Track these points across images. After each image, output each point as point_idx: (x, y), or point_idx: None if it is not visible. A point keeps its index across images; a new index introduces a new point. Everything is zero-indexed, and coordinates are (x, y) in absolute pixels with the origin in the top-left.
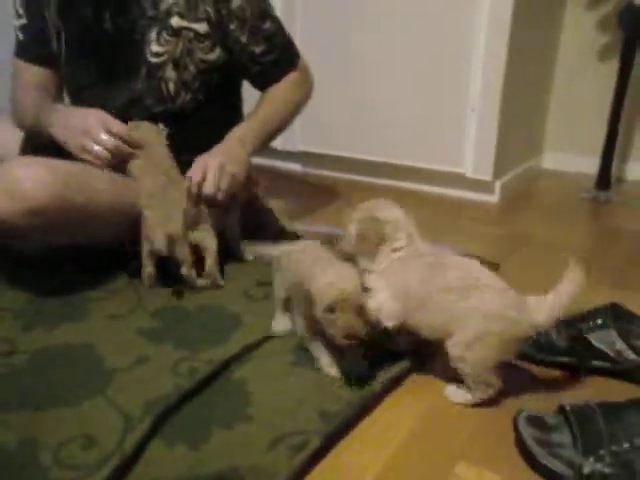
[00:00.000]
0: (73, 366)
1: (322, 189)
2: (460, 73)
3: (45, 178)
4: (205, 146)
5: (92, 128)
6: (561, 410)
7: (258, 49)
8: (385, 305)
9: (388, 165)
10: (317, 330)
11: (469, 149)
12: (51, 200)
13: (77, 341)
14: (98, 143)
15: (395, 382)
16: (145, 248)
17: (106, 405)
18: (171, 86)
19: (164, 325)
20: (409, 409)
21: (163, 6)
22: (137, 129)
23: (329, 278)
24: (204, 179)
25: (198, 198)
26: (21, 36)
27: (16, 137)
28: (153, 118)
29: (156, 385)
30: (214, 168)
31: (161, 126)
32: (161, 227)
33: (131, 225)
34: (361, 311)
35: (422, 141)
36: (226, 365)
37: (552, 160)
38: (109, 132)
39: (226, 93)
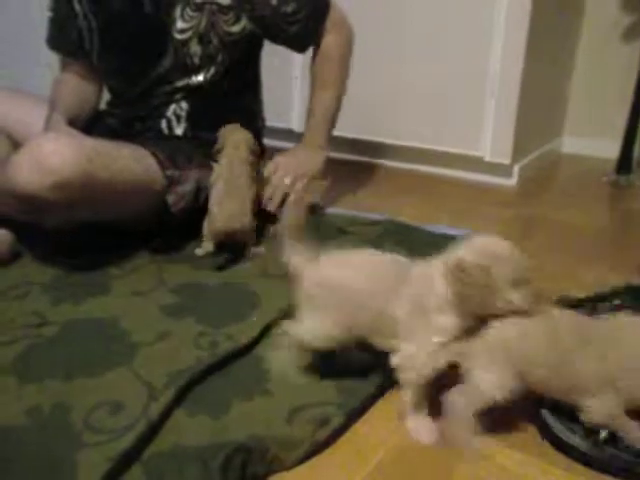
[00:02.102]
0: (100, 339)
1: (341, 172)
2: (479, 55)
3: (70, 153)
4: (223, 123)
5: None
6: None
7: (289, 8)
8: None
9: (406, 148)
10: None
11: (487, 132)
12: (75, 175)
13: (103, 315)
14: None
15: None
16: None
17: (131, 376)
18: (196, 60)
19: (185, 301)
20: (427, 387)
21: None
22: (229, 134)
23: None
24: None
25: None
26: (49, 28)
27: (40, 114)
28: (175, 93)
29: (178, 358)
30: (289, 181)
31: (183, 104)
32: (233, 222)
33: (152, 202)
34: None
35: (440, 124)
36: (247, 344)
37: (572, 144)
38: None
39: (246, 68)
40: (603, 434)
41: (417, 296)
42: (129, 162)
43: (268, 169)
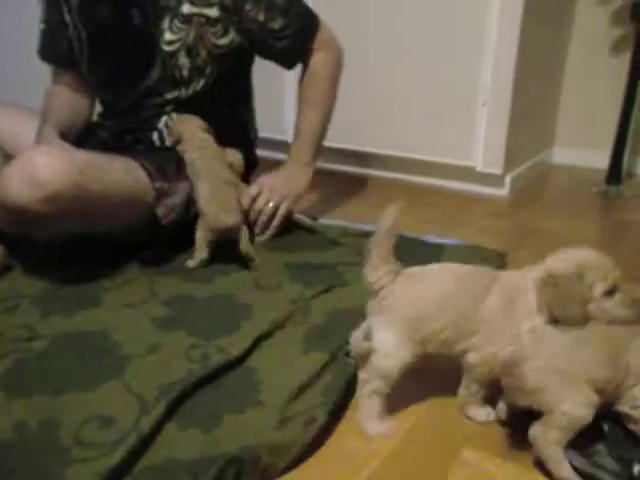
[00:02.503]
0: (90, 352)
1: (332, 183)
2: (471, 66)
3: (62, 166)
4: (215, 134)
5: None
6: None
7: (277, 25)
8: None
9: (398, 158)
10: None
11: (479, 143)
12: (67, 187)
13: (94, 328)
14: None
15: None
16: (205, 237)
17: (122, 389)
18: (185, 72)
19: (176, 313)
20: (416, 395)
21: None
22: (180, 123)
23: None
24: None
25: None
26: (40, 39)
27: (33, 127)
28: (166, 105)
29: (169, 371)
30: (272, 204)
31: (174, 115)
32: (224, 218)
33: (143, 214)
34: None
35: (432, 134)
36: (239, 356)
37: (562, 154)
38: None
39: (236, 81)
40: (637, 468)
41: (505, 301)
42: (120, 174)
43: (252, 191)
